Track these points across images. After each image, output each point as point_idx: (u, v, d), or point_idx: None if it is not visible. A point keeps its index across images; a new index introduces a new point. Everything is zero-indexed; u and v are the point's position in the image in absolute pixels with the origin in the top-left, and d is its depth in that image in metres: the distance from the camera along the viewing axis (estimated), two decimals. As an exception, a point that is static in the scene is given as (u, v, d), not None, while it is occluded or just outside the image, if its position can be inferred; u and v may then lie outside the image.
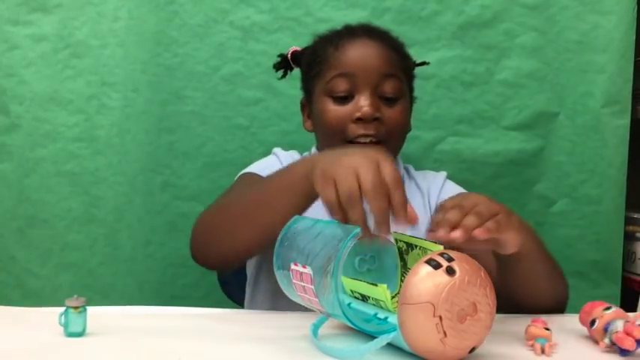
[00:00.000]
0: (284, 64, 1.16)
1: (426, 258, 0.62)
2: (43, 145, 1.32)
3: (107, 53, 1.32)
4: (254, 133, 1.32)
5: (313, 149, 1.15)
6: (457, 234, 0.71)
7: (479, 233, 0.71)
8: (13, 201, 1.33)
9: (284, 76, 1.17)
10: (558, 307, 0.91)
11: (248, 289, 1.13)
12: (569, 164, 1.33)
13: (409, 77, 1.11)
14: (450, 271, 0.60)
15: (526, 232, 0.81)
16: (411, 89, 1.12)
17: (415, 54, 1.30)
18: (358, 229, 0.67)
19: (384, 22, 1.30)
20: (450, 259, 0.61)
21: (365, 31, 1.08)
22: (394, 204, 0.69)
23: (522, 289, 0.86)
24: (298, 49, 1.14)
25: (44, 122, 1.32)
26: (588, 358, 0.68)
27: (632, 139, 1.31)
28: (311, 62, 1.08)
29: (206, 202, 1.20)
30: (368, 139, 1.01)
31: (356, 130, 1.01)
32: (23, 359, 0.65)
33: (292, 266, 0.70)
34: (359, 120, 1.01)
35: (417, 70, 1.30)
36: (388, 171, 0.70)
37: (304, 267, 0.68)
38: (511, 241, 0.78)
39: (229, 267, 1.10)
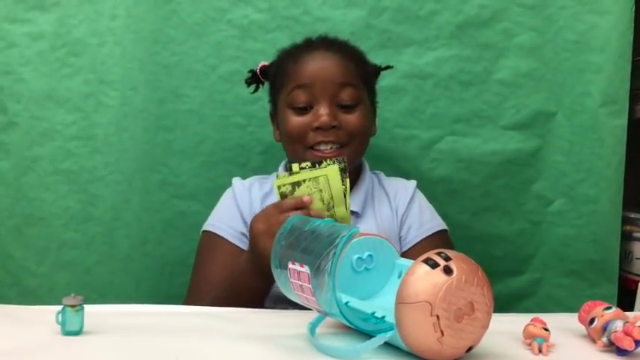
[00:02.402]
0: (254, 80, 1.20)
1: (424, 257, 0.62)
2: (40, 143, 1.32)
3: (105, 51, 1.31)
4: (252, 132, 1.32)
5: (280, 168, 1.18)
6: None
7: None
8: (10, 199, 1.32)
9: (256, 90, 1.21)
10: None
11: None
12: (566, 164, 1.33)
13: (368, 83, 1.15)
14: (448, 271, 0.60)
15: None
16: (371, 95, 1.16)
17: (413, 53, 1.31)
18: (356, 229, 0.68)
19: (382, 22, 1.30)
20: (447, 259, 0.61)
21: (323, 43, 1.14)
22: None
23: None
24: (267, 64, 1.19)
25: (42, 120, 1.31)
26: (585, 358, 0.68)
27: (629, 138, 1.31)
28: (275, 76, 1.15)
29: (203, 201, 1.21)
30: (329, 146, 1.08)
31: (315, 137, 1.08)
32: (20, 358, 0.65)
33: (290, 265, 0.70)
34: (318, 129, 1.07)
35: (415, 70, 1.31)
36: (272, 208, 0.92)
37: (302, 266, 0.68)
38: None
39: None
